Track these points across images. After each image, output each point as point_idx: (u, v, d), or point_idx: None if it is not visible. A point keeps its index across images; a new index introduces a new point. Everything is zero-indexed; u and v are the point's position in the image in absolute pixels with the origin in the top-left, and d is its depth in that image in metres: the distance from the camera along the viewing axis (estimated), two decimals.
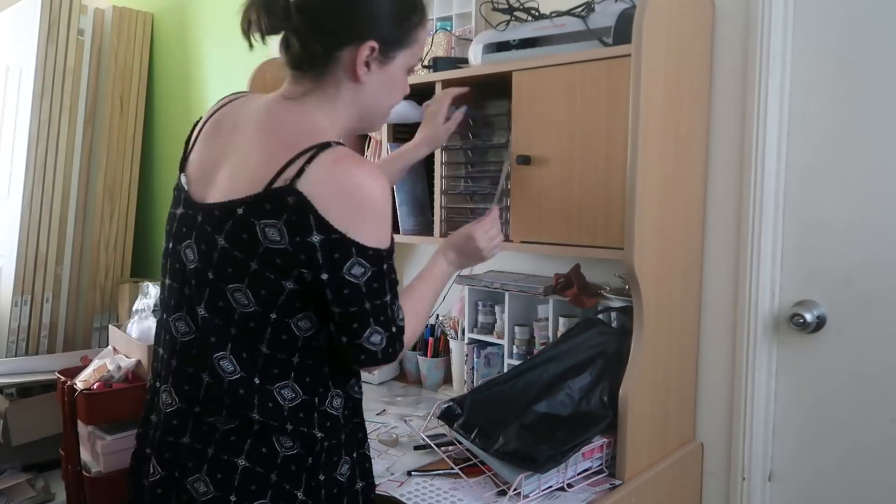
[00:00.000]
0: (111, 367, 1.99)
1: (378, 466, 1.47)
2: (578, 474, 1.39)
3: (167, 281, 1.10)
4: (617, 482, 1.40)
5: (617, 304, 1.62)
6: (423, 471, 1.45)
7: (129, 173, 3.19)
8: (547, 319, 1.74)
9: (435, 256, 1.31)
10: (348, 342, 1.02)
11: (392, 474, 1.44)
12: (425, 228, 1.82)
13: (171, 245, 1.09)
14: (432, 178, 1.74)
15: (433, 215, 1.74)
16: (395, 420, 1.76)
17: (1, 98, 3.06)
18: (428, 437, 1.54)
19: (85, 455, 1.96)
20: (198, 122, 1.15)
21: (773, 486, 1.60)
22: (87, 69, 3.03)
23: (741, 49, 1.53)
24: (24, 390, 2.59)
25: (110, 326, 2.26)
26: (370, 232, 0.98)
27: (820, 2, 1.46)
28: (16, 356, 2.83)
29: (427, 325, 2.06)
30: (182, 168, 1.11)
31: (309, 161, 0.95)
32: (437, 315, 2.08)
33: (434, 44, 1.84)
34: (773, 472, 1.60)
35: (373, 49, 1.03)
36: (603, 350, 1.51)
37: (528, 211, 1.54)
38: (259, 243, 0.96)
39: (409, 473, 1.44)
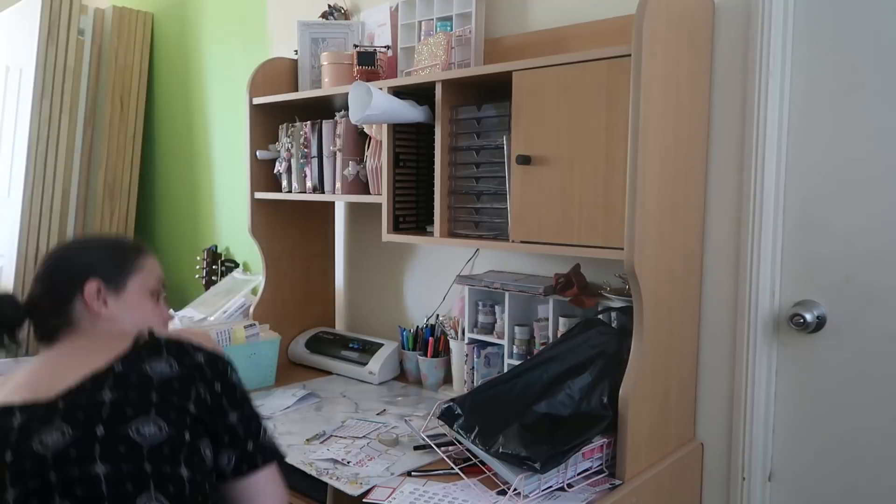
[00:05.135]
0: None
1: (378, 466, 1.47)
2: (578, 474, 1.39)
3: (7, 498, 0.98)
4: (617, 482, 1.40)
5: (617, 304, 1.62)
6: (423, 471, 1.46)
7: (129, 173, 3.19)
8: (547, 319, 1.74)
9: None
10: (254, 447, 1.08)
11: (392, 474, 1.44)
12: None
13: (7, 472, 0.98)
14: (431, 177, 1.73)
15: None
16: (396, 420, 1.76)
17: (1, 98, 3.06)
18: (428, 437, 1.54)
19: None
20: None
21: (773, 486, 1.60)
22: (87, 69, 3.03)
23: (741, 49, 1.53)
24: None
25: None
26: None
27: (820, 1, 1.46)
28: (16, 356, 2.82)
29: (427, 326, 2.07)
30: None
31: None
32: (438, 315, 2.08)
33: (433, 44, 1.84)
34: (773, 472, 1.60)
35: (98, 285, 1.12)
36: (603, 350, 1.51)
37: (528, 211, 1.54)
38: (150, 379, 1.02)
39: (409, 473, 1.44)
